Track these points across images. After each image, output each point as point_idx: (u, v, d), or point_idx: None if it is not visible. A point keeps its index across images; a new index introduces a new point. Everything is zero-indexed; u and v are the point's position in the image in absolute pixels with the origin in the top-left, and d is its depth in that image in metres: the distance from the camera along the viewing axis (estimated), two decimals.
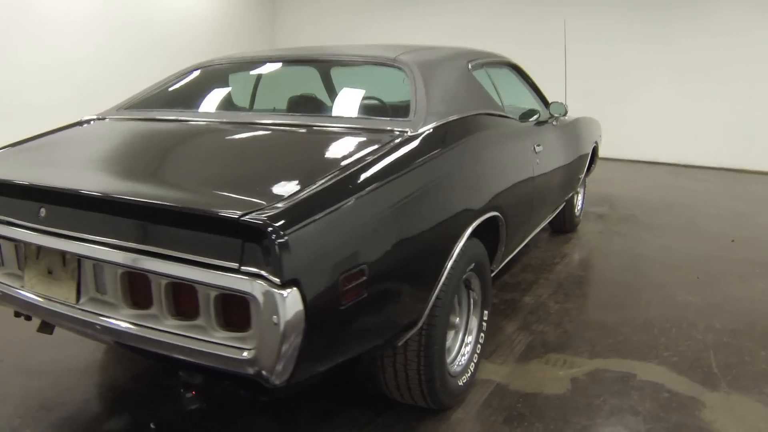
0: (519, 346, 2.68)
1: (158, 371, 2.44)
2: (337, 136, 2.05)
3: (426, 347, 1.85)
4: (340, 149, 1.92)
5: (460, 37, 8.63)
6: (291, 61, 2.73)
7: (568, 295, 3.32)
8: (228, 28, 9.42)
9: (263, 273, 1.27)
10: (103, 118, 2.55)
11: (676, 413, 2.16)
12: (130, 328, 1.51)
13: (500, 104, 2.73)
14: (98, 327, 1.56)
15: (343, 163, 1.66)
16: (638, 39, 8.14)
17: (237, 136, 2.20)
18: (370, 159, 1.70)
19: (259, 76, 3.02)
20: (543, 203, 3.10)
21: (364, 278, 1.46)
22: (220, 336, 1.38)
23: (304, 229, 1.32)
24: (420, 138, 1.93)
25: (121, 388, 2.33)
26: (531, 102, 3.48)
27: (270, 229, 1.27)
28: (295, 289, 1.27)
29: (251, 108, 2.95)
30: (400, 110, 2.18)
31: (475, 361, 2.27)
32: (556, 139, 3.38)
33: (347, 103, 2.44)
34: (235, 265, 1.30)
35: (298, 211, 1.36)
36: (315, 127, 2.14)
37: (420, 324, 1.79)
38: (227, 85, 2.70)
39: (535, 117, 3.02)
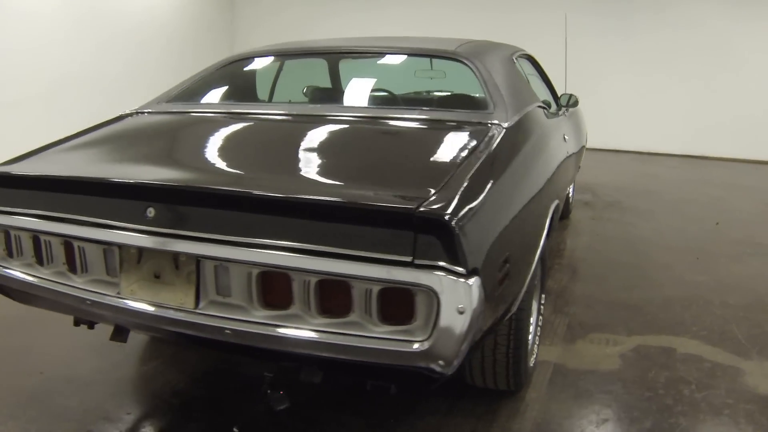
0: (560, 328, 2.82)
1: (215, 374, 2.42)
2: (440, 127, 2.09)
3: (516, 330, 1.94)
4: (455, 141, 1.97)
5: (426, 28, 8.72)
6: (348, 53, 2.76)
7: (585, 279, 3.49)
8: (191, 19, 9.17)
9: (443, 264, 1.29)
10: (150, 112, 2.48)
11: (723, 381, 2.35)
12: (267, 330, 1.46)
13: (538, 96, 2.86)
14: (227, 331, 1.50)
15: (469, 154, 1.72)
16: (599, 32, 8.47)
17: (341, 129, 2.18)
18: (491, 150, 1.77)
19: (320, 67, 3.03)
20: (565, 190, 3.26)
21: (508, 264, 1.53)
22: (381, 331, 1.38)
23: (473, 219, 1.37)
24: (514, 130, 2.02)
25: (183, 394, 2.26)
26: (545, 92, 3.63)
27: (451, 220, 1.31)
28: (477, 277, 1.31)
29: (328, 100, 2.90)
30: (477, 103, 2.25)
31: (537, 342, 2.38)
32: (570, 129, 3.55)
33: (427, 95, 2.49)
34: (407, 258, 1.31)
35: (462, 202, 1.40)
36: (410, 120, 2.17)
37: (516, 306, 1.86)
38: (282, 77, 2.70)
39: (561, 108, 3.16)
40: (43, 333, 2.67)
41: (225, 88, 2.67)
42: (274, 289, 1.46)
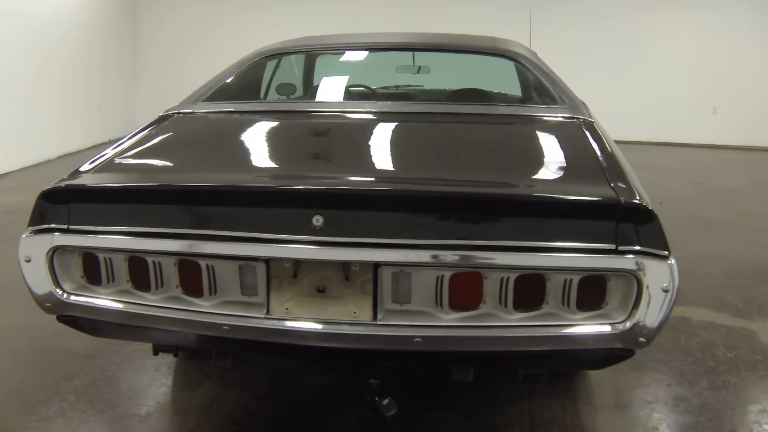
0: None
1: (280, 389, 2.35)
2: (538, 122, 2.18)
3: None
4: (561, 134, 2.04)
5: (335, 26, 8.58)
6: (395, 49, 2.81)
7: None
8: (95, 19, 8.50)
9: (648, 249, 1.39)
10: (209, 112, 2.30)
11: (743, 341, 2.69)
12: (462, 333, 1.45)
13: None
14: (417, 340, 1.44)
15: (595, 145, 1.84)
16: (510, 25, 8.43)
17: (448, 125, 2.20)
18: (607, 141, 1.89)
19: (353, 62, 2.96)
20: None
21: None
22: (578, 318, 1.44)
23: (654, 205, 1.47)
24: (598, 123, 2.15)
25: (260, 415, 2.17)
26: None
27: (651, 209, 1.41)
28: (673, 258, 1.43)
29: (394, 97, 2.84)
30: (545, 99, 2.34)
31: None
32: None
33: (485, 92, 2.62)
34: (611, 246, 1.38)
35: (643, 191, 1.52)
36: (499, 116, 2.28)
37: None
38: (344, 73, 2.66)
39: None
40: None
41: (272, 84, 2.62)
42: (464, 289, 1.44)
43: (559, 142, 1.98)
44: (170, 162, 1.93)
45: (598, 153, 1.77)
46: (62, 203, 1.57)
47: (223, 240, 1.50)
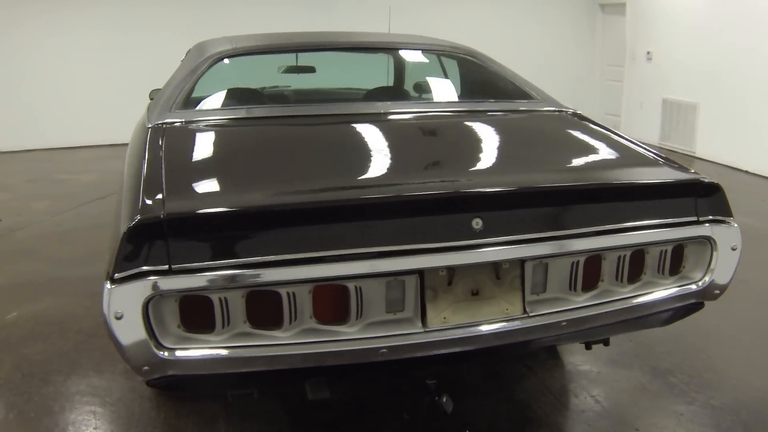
0: None
1: (297, 414, 2.23)
2: (538, 116, 2.37)
3: None
4: (570, 127, 2.26)
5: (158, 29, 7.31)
6: (360, 49, 2.84)
7: None
8: None
9: (720, 217, 1.73)
10: (221, 120, 2.12)
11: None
12: (595, 311, 1.64)
13: None
14: (563, 323, 1.59)
15: (611, 133, 2.14)
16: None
17: (470, 124, 2.30)
18: (608, 129, 2.19)
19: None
20: None
21: None
22: (668, 282, 1.74)
23: None
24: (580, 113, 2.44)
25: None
26: None
27: (719, 183, 1.74)
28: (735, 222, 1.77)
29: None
30: (519, 94, 2.49)
31: None
32: None
33: (492, 88, 2.62)
34: (693, 218, 1.70)
35: (690, 170, 1.84)
36: (508, 112, 2.41)
37: None
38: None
39: None
40: None
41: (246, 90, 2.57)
42: (590, 271, 1.64)
43: (587, 134, 2.21)
44: (272, 179, 1.65)
45: (626, 141, 2.07)
46: (159, 239, 1.29)
47: (370, 257, 1.39)
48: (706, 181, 1.72)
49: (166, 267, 1.30)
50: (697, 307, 1.81)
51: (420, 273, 1.45)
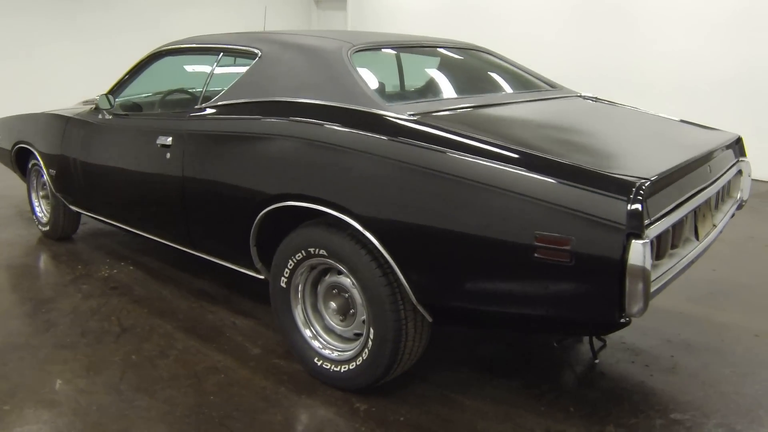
0: None
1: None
2: (582, 100, 2.78)
3: None
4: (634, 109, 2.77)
5: None
6: (418, 48, 2.90)
7: None
8: None
9: (743, 156, 2.48)
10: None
11: None
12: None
13: None
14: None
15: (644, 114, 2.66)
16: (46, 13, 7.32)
17: (580, 110, 2.63)
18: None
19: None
20: None
21: None
22: (730, 202, 2.43)
23: None
24: None
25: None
26: None
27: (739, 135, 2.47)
28: None
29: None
30: (546, 82, 2.84)
31: None
32: None
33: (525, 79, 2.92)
34: (741, 158, 2.44)
35: None
36: (569, 97, 2.80)
37: None
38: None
39: None
40: None
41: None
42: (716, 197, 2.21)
43: (638, 114, 2.69)
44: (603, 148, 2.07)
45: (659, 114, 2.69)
46: (647, 198, 1.59)
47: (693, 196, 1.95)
48: (737, 135, 2.47)
49: (649, 220, 1.62)
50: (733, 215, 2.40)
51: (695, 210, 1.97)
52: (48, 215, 3.79)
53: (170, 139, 2.58)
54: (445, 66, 2.84)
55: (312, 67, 2.29)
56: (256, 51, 2.48)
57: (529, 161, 1.71)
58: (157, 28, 7.91)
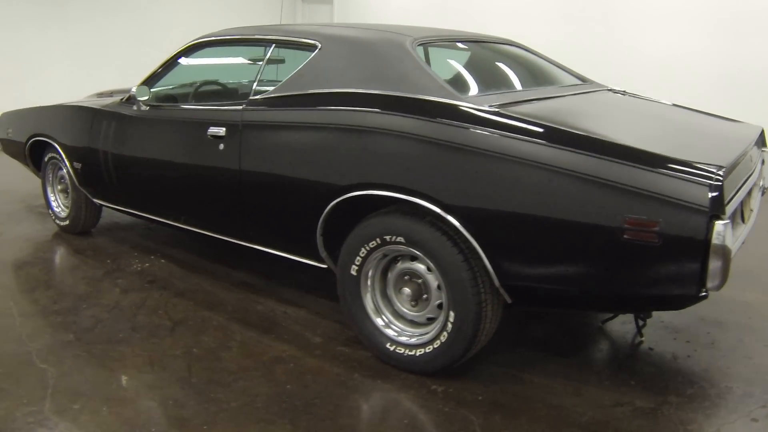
0: None
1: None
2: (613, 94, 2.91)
3: None
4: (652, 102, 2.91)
5: None
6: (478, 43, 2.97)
7: None
8: None
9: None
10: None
11: None
12: None
13: None
14: None
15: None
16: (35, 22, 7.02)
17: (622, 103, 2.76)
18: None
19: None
20: None
21: None
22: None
23: None
24: None
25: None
26: None
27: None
28: None
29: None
30: (572, 76, 2.87)
31: None
32: None
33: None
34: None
35: None
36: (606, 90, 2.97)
37: None
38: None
39: None
40: None
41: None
42: None
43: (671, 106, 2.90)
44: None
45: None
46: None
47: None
48: (761, 127, 2.62)
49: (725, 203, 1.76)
50: None
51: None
52: (67, 209, 3.72)
53: (223, 129, 2.58)
54: (493, 59, 2.93)
55: (382, 59, 2.33)
56: (315, 43, 2.50)
57: (615, 150, 1.81)
58: (145, 18, 7.72)
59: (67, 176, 3.58)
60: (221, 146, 2.59)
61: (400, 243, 2.14)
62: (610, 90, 2.99)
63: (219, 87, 3.32)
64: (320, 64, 2.45)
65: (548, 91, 2.58)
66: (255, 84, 2.67)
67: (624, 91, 3.02)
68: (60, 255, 3.56)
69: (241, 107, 2.58)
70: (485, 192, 1.92)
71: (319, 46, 2.49)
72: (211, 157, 2.62)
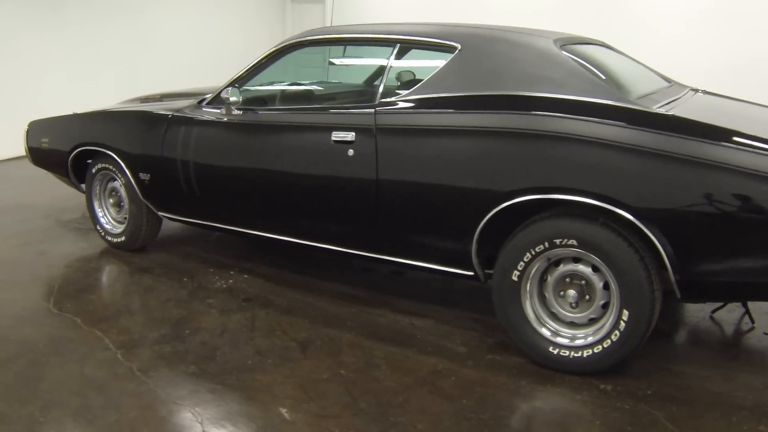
0: None
1: None
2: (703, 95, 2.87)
3: None
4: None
5: None
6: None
7: None
8: None
9: None
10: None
11: None
12: None
13: None
14: None
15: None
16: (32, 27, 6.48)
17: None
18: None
19: None
20: None
21: None
22: None
23: None
24: None
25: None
26: None
27: None
28: None
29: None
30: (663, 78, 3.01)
31: None
32: None
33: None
34: None
35: None
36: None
37: None
38: None
39: None
40: None
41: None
42: None
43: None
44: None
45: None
46: None
47: None
48: None
49: None
50: None
51: None
52: (121, 225, 3.42)
53: (352, 134, 2.43)
54: (606, 62, 2.88)
55: (536, 61, 2.29)
56: (454, 44, 2.40)
57: None
58: (141, 22, 7.21)
59: (122, 188, 3.29)
60: (350, 152, 2.43)
61: (571, 246, 2.11)
62: (693, 90, 2.99)
63: (330, 89, 3.13)
64: (465, 65, 2.36)
65: (668, 93, 2.60)
66: (382, 86, 2.51)
67: (704, 90, 3.04)
68: (125, 275, 3.28)
69: (371, 110, 2.43)
70: (673, 194, 1.96)
71: (459, 47, 2.39)
72: (337, 164, 2.47)
